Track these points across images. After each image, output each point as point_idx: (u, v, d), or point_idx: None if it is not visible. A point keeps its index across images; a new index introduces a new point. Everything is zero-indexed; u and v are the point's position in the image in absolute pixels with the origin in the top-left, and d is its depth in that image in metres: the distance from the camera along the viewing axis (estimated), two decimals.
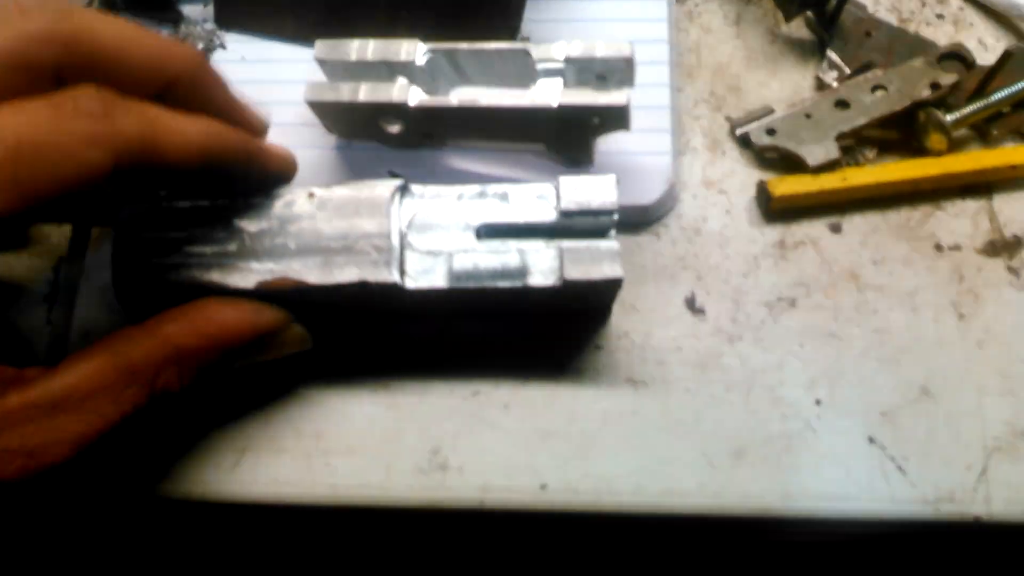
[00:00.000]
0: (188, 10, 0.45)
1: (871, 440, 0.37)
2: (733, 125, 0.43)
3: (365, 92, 0.35)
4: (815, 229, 0.41)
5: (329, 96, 0.35)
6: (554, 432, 0.37)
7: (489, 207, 0.35)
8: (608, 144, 0.40)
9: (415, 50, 0.35)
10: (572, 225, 0.34)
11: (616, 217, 0.34)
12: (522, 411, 0.38)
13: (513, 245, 0.34)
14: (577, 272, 0.33)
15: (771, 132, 0.42)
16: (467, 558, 0.45)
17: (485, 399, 0.38)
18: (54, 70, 0.28)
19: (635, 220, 0.41)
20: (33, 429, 0.28)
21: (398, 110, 0.34)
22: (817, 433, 0.37)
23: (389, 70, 0.35)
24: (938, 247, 0.41)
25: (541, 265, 0.34)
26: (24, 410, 0.28)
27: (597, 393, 0.38)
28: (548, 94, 0.34)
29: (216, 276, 0.33)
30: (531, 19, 0.43)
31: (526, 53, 0.35)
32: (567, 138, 0.36)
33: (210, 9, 0.45)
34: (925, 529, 0.36)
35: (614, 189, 0.34)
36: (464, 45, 0.35)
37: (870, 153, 0.43)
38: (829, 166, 0.41)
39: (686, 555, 0.45)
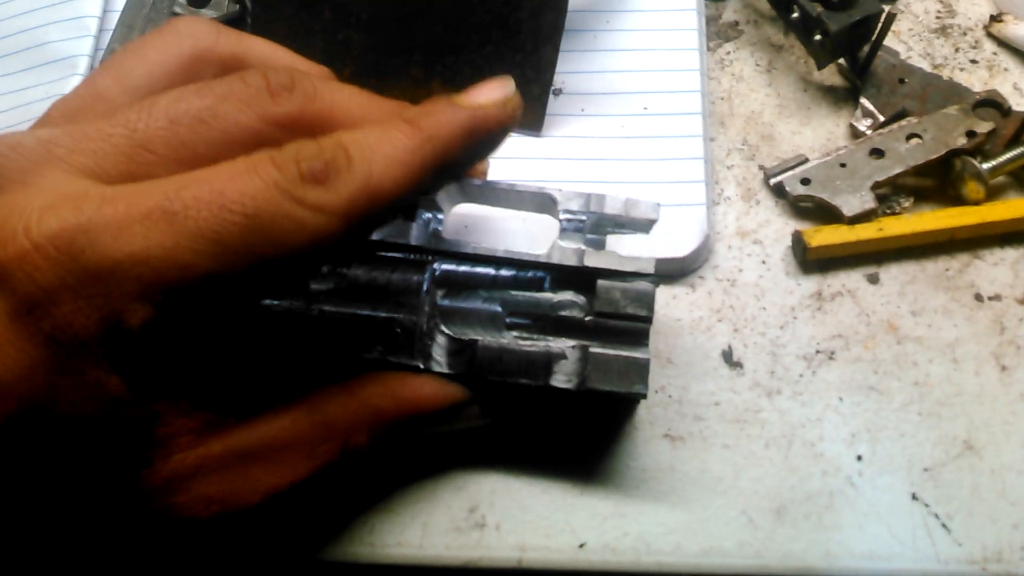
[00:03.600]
0: None
1: (914, 497, 0.36)
2: (767, 174, 0.43)
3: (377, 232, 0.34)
4: (852, 279, 0.41)
5: None
6: (591, 489, 0.37)
7: (521, 295, 0.34)
8: (644, 197, 0.39)
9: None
10: (605, 324, 0.33)
11: (651, 323, 0.33)
12: (558, 468, 0.37)
13: (541, 339, 0.34)
14: (601, 383, 0.33)
15: (805, 182, 0.42)
16: None
17: (521, 455, 0.37)
18: None
19: (670, 272, 0.40)
20: (231, 476, 0.29)
21: (409, 249, 0.34)
22: (859, 490, 0.36)
23: None
24: (978, 297, 0.40)
25: (565, 367, 0.33)
26: (224, 458, 0.29)
27: (634, 449, 0.37)
28: (571, 253, 0.33)
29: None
30: (564, 71, 0.44)
31: (552, 200, 0.34)
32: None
33: None
34: None
35: (653, 296, 0.33)
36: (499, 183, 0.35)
37: (906, 202, 0.42)
38: (865, 216, 0.41)
39: None
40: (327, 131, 0.29)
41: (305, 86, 0.30)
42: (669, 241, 0.39)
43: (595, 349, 0.33)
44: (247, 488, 0.29)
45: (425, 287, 0.34)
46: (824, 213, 0.42)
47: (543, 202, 0.35)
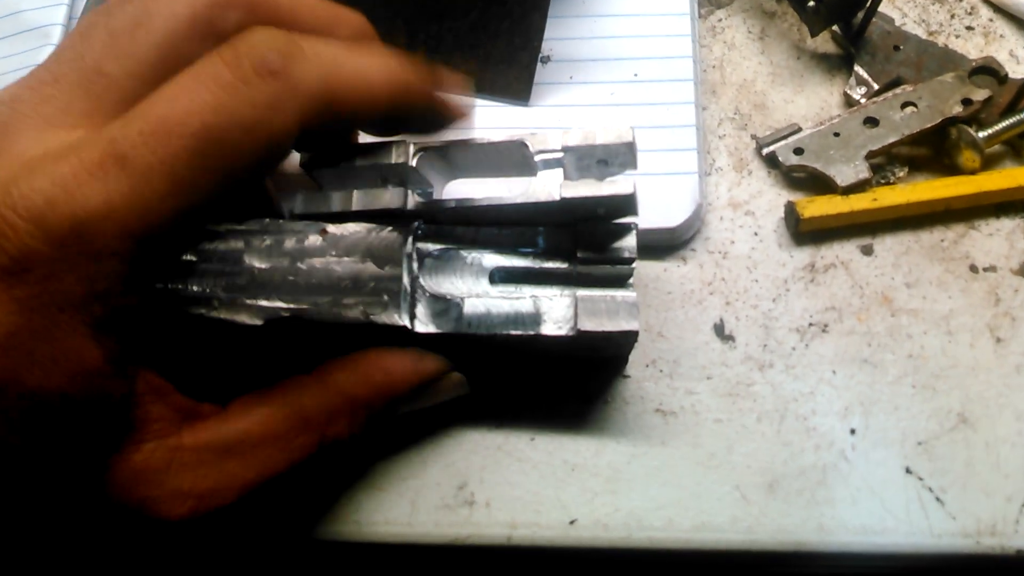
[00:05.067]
0: None
1: (908, 471, 0.36)
2: (759, 144, 0.42)
3: (358, 201, 0.33)
4: (846, 251, 0.40)
5: (321, 207, 0.33)
6: (582, 465, 0.36)
7: (504, 250, 0.34)
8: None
9: (406, 152, 0.33)
10: (589, 272, 0.33)
11: (635, 267, 0.33)
12: (548, 444, 0.37)
13: (527, 291, 0.33)
14: (592, 324, 0.32)
15: (799, 151, 0.41)
16: None
17: (510, 431, 0.37)
18: (236, 32, 0.27)
19: (661, 243, 0.40)
20: (205, 471, 0.28)
21: (392, 214, 0.33)
22: (852, 464, 0.36)
23: (380, 173, 0.34)
24: (973, 268, 0.40)
25: (555, 314, 0.33)
26: (198, 451, 0.28)
27: (625, 424, 0.37)
28: (549, 187, 0.32)
29: (224, 314, 0.31)
30: (552, 38, 0.43)
31: (523, 144, 0.33)
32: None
33: None
34: (965, 564, 0.35)
35: (633, 237, 0.33)
36: (457, 140, 0.33)
37: (901, 172, 0.42)
38: (859, 186, 0.40)
39: None
40: (268, 12, 0.28)
41: None
42: (660, 211, 0.38)
43: (582, 292, 0.32)
44: (222, 484, 0.28)
45: (407, 247, 0.33)
46: (818, 183, 0.41)
47: (518, 153, 0.34)
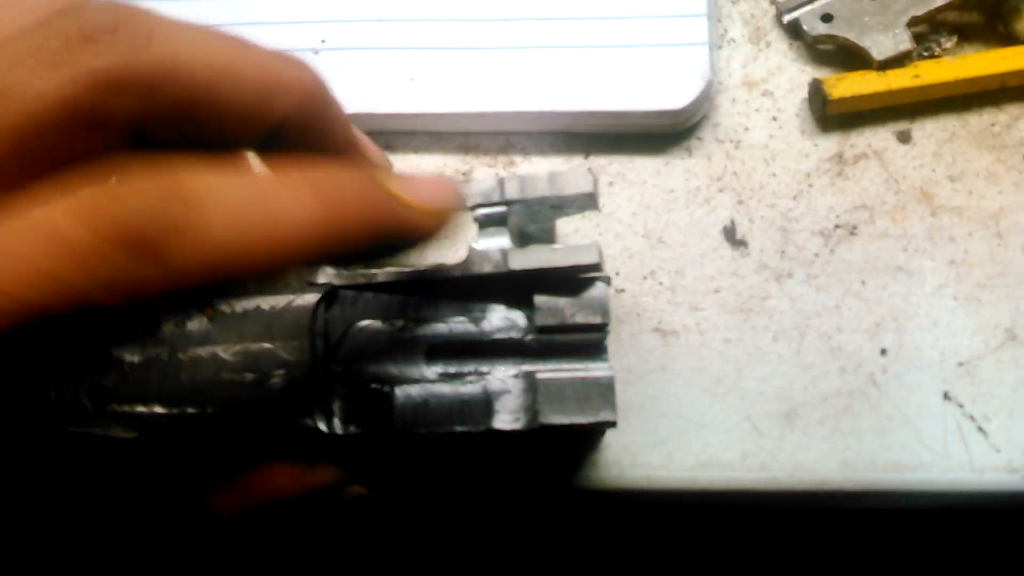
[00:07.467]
0: None
1: (946, 396, 0.32)
2: (780, 10, 0.37)
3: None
4: (879, 138, 0.35)
5: None
6: None
7: (442, 320, 0.27)
8: (631, 34, 0.32)
9: None
10: (551, 341, 0.27)
11: (608, 331, 0.27)
12: None
13: (474, 370, 0.27)
14: (557, 416, 0.26)
15: (827, 18, 0.36)
16: (465, 545, 0.40)
17: None
18: (129, 125, 0.21)
19: (663, 131, 0.34)
20: None
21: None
22: (882, 389, 0.32)
23: None
24: None
25: (509, 402, 0.26)
26: None
27: (619, 347, 0.32)
28: (493, 255, 0.26)
29: (91, 424, 0.26)
30: None
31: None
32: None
33: None
34: (1010, 503, 0.31)
35: (606, 295, 0.26)
36: None
37: (948, 42, 0.36)
38: (898, 59, 0.35)
39: (725, 538, 0.39)
40: (174, 95, 0.21)
41: (135, 25, 0.21)
42: (662, 90, 0.32)
43: (543, 374, 0.26)
44: None
45: (318, 322, 0.27)
46: (848, 57, 0.36)
47: None
